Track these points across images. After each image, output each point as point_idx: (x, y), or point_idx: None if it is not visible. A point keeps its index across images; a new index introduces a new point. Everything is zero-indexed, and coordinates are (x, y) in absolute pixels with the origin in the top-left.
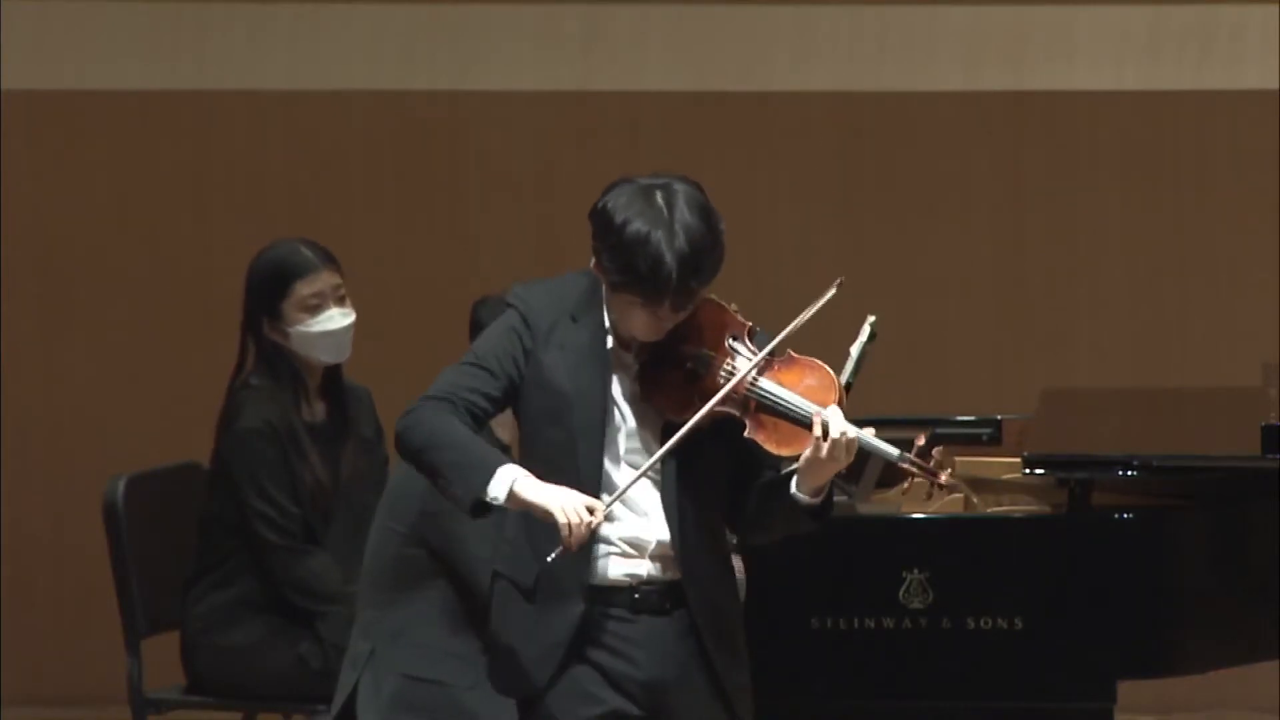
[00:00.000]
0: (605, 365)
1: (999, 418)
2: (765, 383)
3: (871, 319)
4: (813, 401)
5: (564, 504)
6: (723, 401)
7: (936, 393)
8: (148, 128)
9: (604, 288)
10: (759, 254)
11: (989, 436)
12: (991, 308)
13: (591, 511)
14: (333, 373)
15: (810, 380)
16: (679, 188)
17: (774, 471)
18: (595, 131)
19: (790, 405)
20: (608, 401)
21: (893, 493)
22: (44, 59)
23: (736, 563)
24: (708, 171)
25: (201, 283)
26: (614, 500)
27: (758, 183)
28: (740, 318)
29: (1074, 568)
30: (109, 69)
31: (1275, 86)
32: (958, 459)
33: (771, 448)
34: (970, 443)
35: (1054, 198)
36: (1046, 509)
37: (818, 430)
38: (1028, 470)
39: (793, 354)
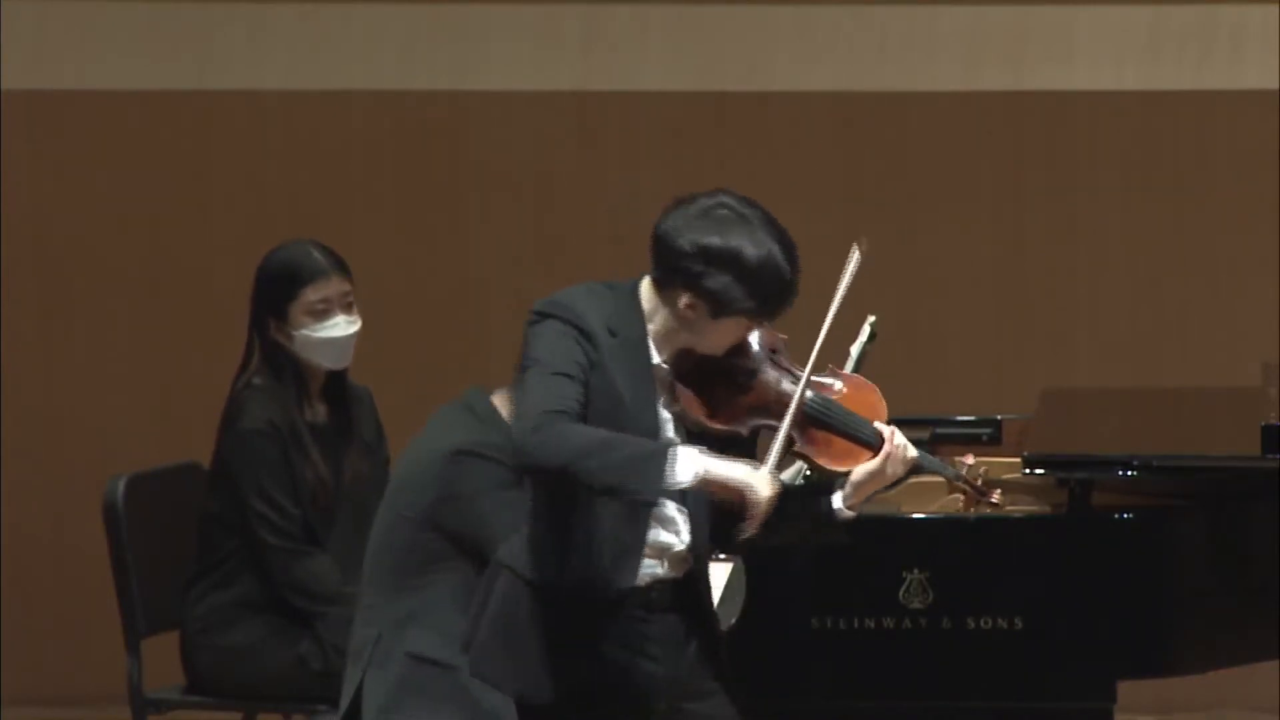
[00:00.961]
0: (650, 381)
1: (999, 418)
2: (823, 400)
3: (871, 319)
4: (869, 418)
5: (752, 480)
6: (779, 414)
7: (936, 393)
8: (148, 128)
9: (684, 315)
10: None
11: (989, 436)
12: (991, 308)
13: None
14: (336, 375)
15: (865, 397)
16: (733, 198)
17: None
18: (595, 132)
19: (850, 422)
20: (656, 417)
21: (893, 492)
22: (44, 59)
23: (723, 568)
24: (708, 171)
25: (201, 283)
26: (774, 469)
27: (758, 183)
28: (774, 331)
29: (1074, 568)
30: (109, 69)
31: (1275, 86)
32: (957, 459)
33: (824, 462)
34: (970, 443)
35: (1054, 198)
36: (1046, 509)
37: (888, 447)
38: (1028, 470)
39: (835, 368)
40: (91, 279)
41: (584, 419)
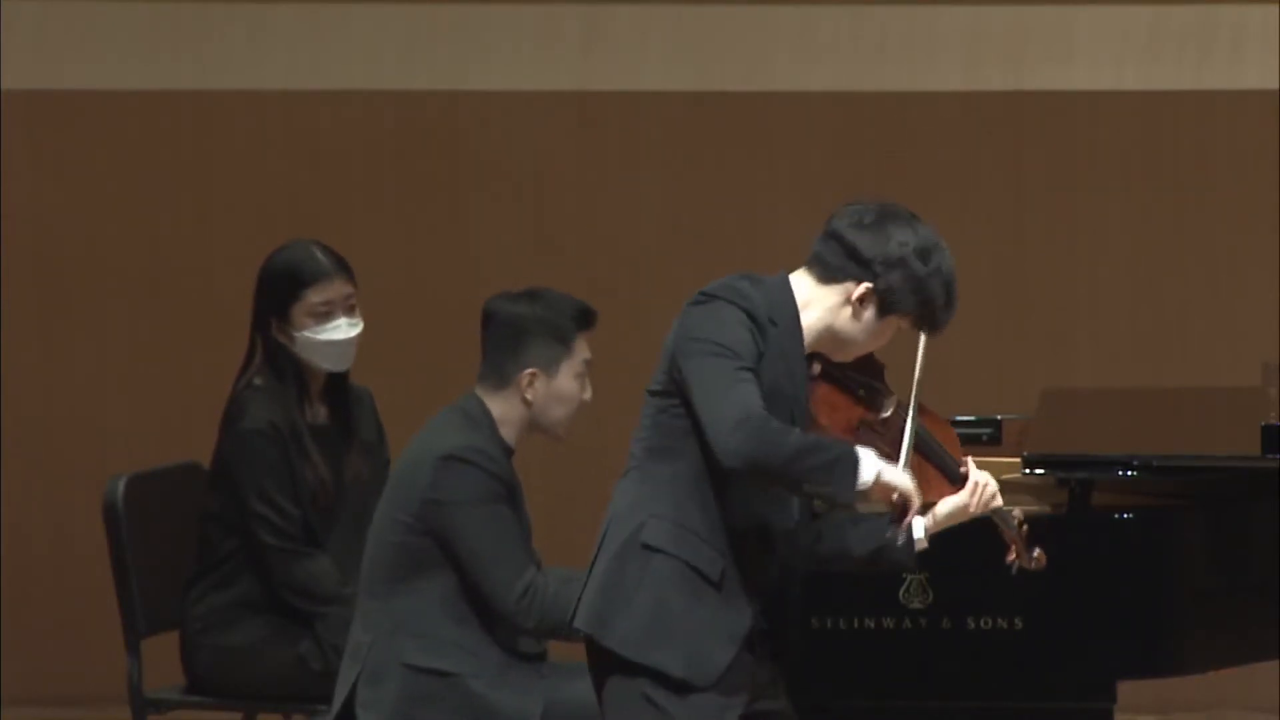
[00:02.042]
0: (805, 365)
1: (999, 418)
2: (924, 429)
3: None
4: (955, 453)
5: (910, 485)
6: (881, 430)
7: (936, 393)
8: (148, 128)
9: (850, 310)
10: (759, 254)
11: (989, 436)
12: (991, 308)
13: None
14: (337, 377)
15: (948, 432)
16: (899, 206)
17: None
18: (595, 132)
19: (941, 453)
20: (807, 401)
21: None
22: (44, 59)
23: None
24: (708, 171)
25: (201, 283)
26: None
27: (758, 183)
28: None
29: (1074, 568)
30: (109, 69)
31: (1275, 86)
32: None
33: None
34: (970, 443)
35: (1054, 197)
36: (1046, 509)
37: (973, 481)
38: (1028, 470)
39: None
40: (91, 279)
41: None
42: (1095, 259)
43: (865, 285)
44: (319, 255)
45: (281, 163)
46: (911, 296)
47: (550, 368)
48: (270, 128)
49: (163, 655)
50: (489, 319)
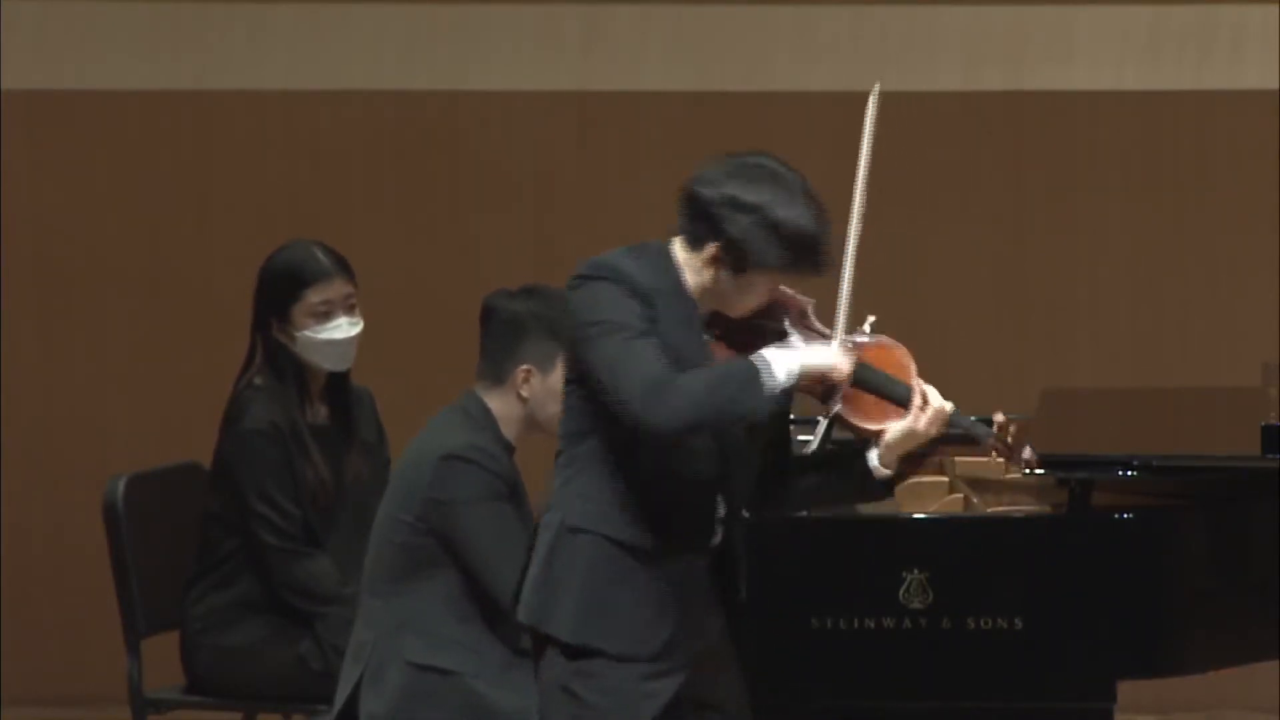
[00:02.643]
0: (698, 324)
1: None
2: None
3: (871, 319)
4: (899, 376)
5: (830, 358)
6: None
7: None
8: (148, 128)
9: (710, 271)
10: None
11: None
12: (991, 308)
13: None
14: (337, 377)
15: (893, 357)
16: (769, 158)
17: (787, 449)
18: (595, 132)
19: (881, 380)
20: (710, 359)
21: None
22: (44, 59)
23: None
24: None
25: (201, 283)
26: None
27: None
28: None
29: (1074, 568)
30: (109, 69)
31: (1275, 86)
32: (958, 459)
33: (861, 421)
34: (970, 443)
35: (1054, 197)
36: (1046, 509)
37: (918, 401)
38: (1028, 470)
39: (863, 329)
40: (91, 279)
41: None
42: (1095, 259)
43: (714, 244)
44: (319, 255)
45: (281, 163)
46: (763, 251)
47: (545, 364)
48: (270, 128)
49: (163, 655)
50: (487, 315)
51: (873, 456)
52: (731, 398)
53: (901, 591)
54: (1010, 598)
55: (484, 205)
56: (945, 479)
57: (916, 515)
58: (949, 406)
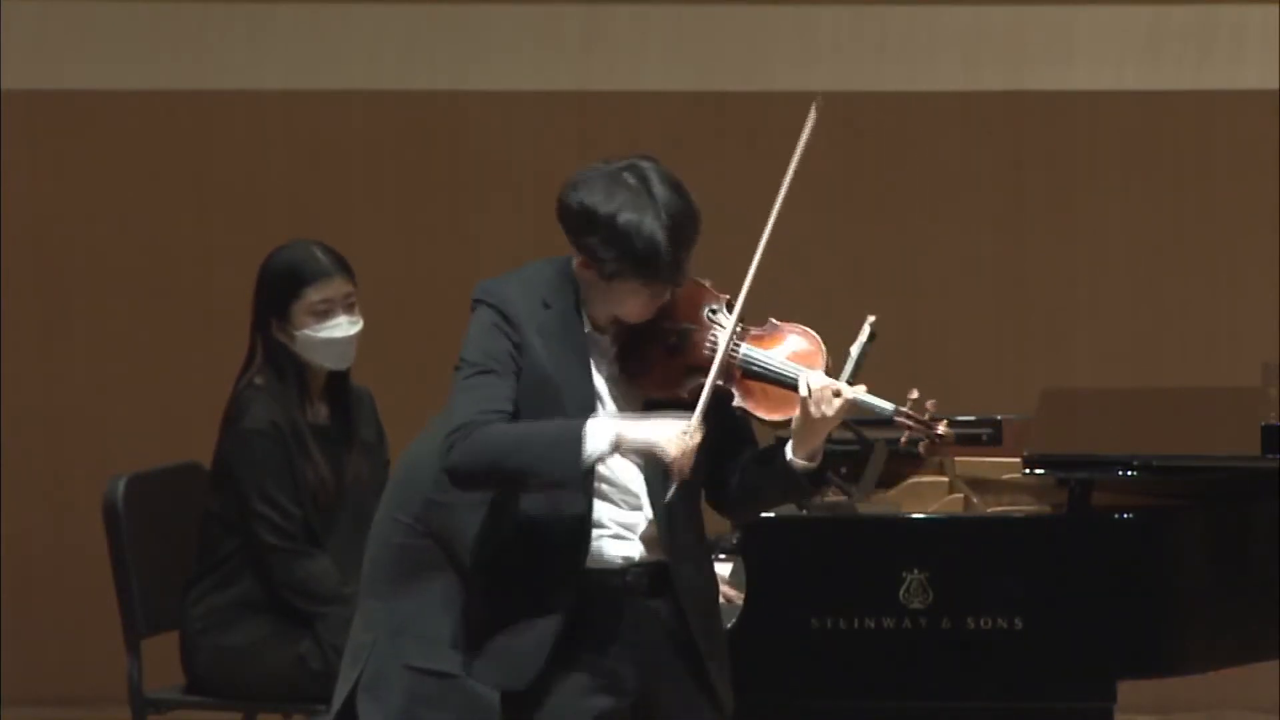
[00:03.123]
0: (584, 350)
1: (999, 418)
2: (749, 349)
3: (871, 319)
4: (798, 364)
5: (663, 437)
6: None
7: (936, 393)
8: (148, 128)
9: (586, 278)
10: None
11: (989, 436)
12: (991, 308)
13: (686, 434)
14: (337, 376)
15: (795, 344)
16: (645, 165)
17: (753, 448)
18: (595, 132)
19: (775, 368)
20: (591, 386)
21: (893, 492)
22: (44, 59)
23: (727, 567)
24: (708, 171)
25: (201, 283)
26: (698, 421)
27: (758, 183)
28: (715, 290)
29: (1074, 568)
30: (109, 69)
31: (1275, 86)
32: (958, 459)
33: (762, 413)
34: (970, 443)
35: (1054, 197)
36: (1046, 509)
37: (803, 390)
38: (1028, 470)
39: (775, 321)
40: (91, 279)
41: (512, 413)
42: (1095, 259)
43: (579, 256)
44: (318, 254)
45: (281, 163)
46: (612, 262)
47: None
48: (270, 128)
49: (163, 655)
50: None
51: (787, 449)
52: (539, 455)
53: (901, 591)
54: (1010, 598)
55: (484, 205)
56: (945, 479)
57: (916, 515)
58: (846, 389)
